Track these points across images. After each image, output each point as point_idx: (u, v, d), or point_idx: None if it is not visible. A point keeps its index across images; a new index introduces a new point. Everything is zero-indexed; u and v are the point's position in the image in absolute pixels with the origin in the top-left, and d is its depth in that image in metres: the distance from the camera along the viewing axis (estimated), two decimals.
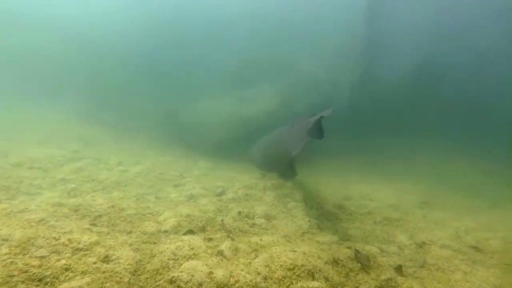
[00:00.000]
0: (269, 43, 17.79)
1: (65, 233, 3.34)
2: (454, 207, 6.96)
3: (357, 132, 13.52)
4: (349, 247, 3.84)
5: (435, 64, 15.12)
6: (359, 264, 3.51)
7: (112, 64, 18.36)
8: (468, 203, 7.40)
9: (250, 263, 3.19)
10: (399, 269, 3.63)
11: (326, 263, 3.32)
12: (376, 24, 13.72)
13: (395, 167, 11.34)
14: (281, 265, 3.12)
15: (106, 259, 2.99)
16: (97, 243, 3.22)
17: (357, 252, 3.69)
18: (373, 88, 13.87)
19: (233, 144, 11.14)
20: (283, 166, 6.75)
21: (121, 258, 3.04)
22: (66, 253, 2.95)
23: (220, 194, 5.67)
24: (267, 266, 3.11)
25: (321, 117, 5.16)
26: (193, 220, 4.24)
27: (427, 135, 14.13)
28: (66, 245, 3.08)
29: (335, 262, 3.43)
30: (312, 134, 5.39)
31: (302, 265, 3.14)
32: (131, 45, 18.72)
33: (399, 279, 3.41)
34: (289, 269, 3.08)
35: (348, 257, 3.58)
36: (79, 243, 3.13)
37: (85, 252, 3.03)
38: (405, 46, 14.72)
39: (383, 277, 3.35)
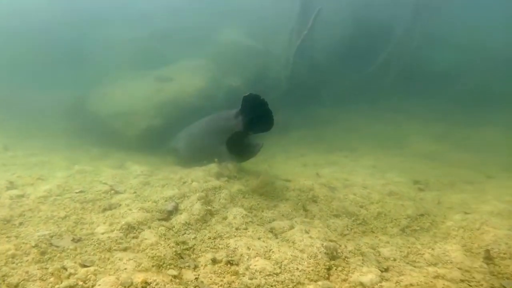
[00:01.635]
0: (185, 16, 15.57)
1: None
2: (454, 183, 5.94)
3: (298, 105, 12.25)
4: None
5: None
6: None
7: None
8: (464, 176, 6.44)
9: None
10: None
11: None
12: None
13: (349, 141, 10.25)
14: None
15: None
16: None
17: None
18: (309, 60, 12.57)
19: (161, 133, 9.12)
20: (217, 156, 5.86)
21: None
22: None
23: (169, 217, 3.81)
24: None
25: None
26: None
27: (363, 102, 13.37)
28: None
29: None
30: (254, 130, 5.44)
31: None
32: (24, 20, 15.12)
33: None
34: None
35: None
36: None
37: None
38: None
39: None
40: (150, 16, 15.43)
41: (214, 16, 15.17)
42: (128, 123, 9.63)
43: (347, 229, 3.90)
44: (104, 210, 4.01)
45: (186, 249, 3.16)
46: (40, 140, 9.71)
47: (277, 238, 3.48)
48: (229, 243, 3.21)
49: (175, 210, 3.93)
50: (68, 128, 11.27)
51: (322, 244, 3.17)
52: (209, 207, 4.02)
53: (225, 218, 3.81)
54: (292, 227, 3.72)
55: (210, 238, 3.30)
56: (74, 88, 13.32)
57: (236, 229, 3.53)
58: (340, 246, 3.35)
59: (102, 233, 3.33)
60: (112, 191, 4.63)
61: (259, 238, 3.38)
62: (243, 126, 5.43)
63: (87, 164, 6.65)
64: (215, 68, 11.21)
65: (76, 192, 4.50)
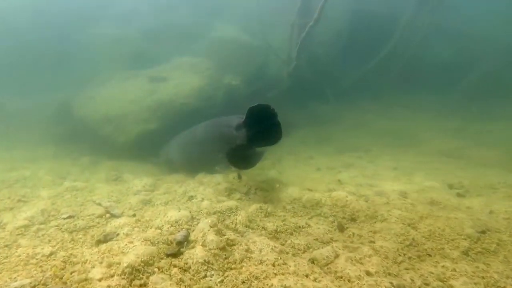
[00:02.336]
0: (175, 12, 14.71)
1: None
2: (494, 186, 5.26)
3: (300, 102, 11.54)
4: None
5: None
6: None
7: None
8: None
9: None
10: None
11: None
12: None
13: (358, 140, 9.55)
14: None
15: None
16: None
17: None
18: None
19: (156, 139, 8.34)
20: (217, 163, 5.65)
21: None
22: None
23: (180, 251, 3.03)
24: None
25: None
26: None
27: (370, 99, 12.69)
28: None
29: None
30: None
31: None
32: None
33: None
34: None
35: None
36: None
37: None
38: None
39: None
40: (138, 13, 14.54)
41: (206, 11, 14.35)
42: (119, 129, 8.80)
43: (400, 255, 3.17)
44: (99, 242, 3.23)
45: None
46: (22, 150, 8.84)
47: (326, 272, 2.74)
48: (273, 286, 2.46)
49: (186, 241, 3.16)
50: (53, 135, 10.42)
51: (392, 284, 2.44)
52: (226, 236, 3.25)
53: (249, 251, 3.05)
54: (336, 256, 3.00)
55: (244, 281, 2.54)
56: (57, 92, 12.43)
57: (273, 265, 2.78)
58: (406, 280, 2.64)
59: (99, 280, 2.55)
60: (108, 215, 3.85)
61: (307, 276, 2.64)
62: (247, 140, 4.74)
63: (77, 177, 5.84)
64: (212, 66, 10.41)
65: (64, 218, 3.71)
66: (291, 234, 3.51)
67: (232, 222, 3.61)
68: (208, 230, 3.28)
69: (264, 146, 5.05)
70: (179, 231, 3.32)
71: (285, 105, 11.31)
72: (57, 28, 14.12)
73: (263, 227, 3.60)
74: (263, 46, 11.77)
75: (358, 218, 3.86)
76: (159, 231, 3.36)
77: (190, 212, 3.76)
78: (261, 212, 3.90)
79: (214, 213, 3.77)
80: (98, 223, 3.66)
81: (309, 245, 3.24)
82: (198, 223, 3.50)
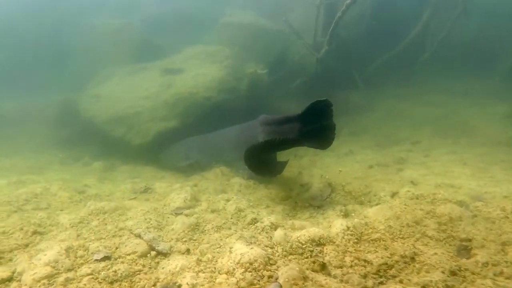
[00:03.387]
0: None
1: None
2: None
3: (326, 89, 10.54)
4: None
5: None
6: None
7: None
8: None
9: None
10: None
11: None
12: None
13: (399, 131, 8.61)
14: None
15: None
16: None
17: None
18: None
19: (177, 139, 7.41)
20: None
21: None
22: None
23: None
24: None
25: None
26: None
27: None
28: None
29: None
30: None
31: None
32: None
33: None
34: None
35: None
36: None
37: None
38: None
39: None
40: (142, 0, 13.43)
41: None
42: (133, 129, 7.84)
43: None
44: None
45: None
46: (24, 157, 7.88)
47: None
48: None
49: None
50: (57, 138, 9.45)
51: None
52: None
53: None
54: None
55: None
56: (55, 91, 11.43)
57: None
58: None
59: None
60: (153, 253, 2.91)
61: None
62: (301, 135, 4.41)
63: (99, 191, 4.90)
64: (231, 54, 9.39)
65: (98, 260, 2.77)
66: (401, 270, 2.58)
67: (324, 264, 2.66)
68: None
69: (312, 146, 4.57)
70: (267, 283, 2.38)
71: (311, 94, 10.34)
72: (50, 19, 13.03)
73: (365, 260, 2.67)
74: (283, 30, 10.72)
75: (475, 238, 2.93)
76: (234, 279, 2.42)
77: (263, 247, 2.83)
78: (355, 242, 2.96)
79: (296, 249, 2.83)
80: (144, 266, 2.73)
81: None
82: (278, 266, 2.56)
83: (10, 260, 2.84)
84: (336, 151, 7.62)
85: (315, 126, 4.43)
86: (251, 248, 2.72)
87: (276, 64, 10.02)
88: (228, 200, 4.14)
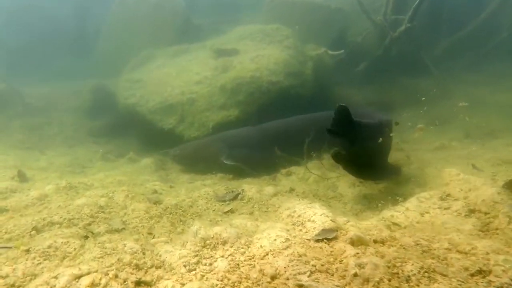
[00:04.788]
0: None
1: None
2: None
3: (392, 74, 9.27)
4: None
5: None
6: None
7: None
8: None
9: None
10: None
11: None
12: None
13: (489, 122, 7.31)
14: None
15: None
16: None
17: None
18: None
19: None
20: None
21: None
22: None
23: None
24: None
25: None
26: None
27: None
28: None
29: None
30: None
31: None
32: None
33: None
34: None
35: None
36: None
37: None
38: None
39: None
40: None
41: None
42: (187, 119, 6.65)
43: None
44: None
45: None
46: (62, 152, 6.74)
47: None
48: None
49: None
50: (91, 130, 8.27)
51: None
52: None
53: None
54: None
55: None
56: (84, 76, 10.25)
57: None
58: None
59: None
60: None
61: None
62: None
63: (171, 196, 3.71)
64: (292, 34, 8.09)
65: None
66: None
67: None
68: None
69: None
70: None
71: (376, 80, 9.10)
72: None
73: None
74: (342, 9, 9.41)
75: None
76: None
77: None
78: None
79: None
80: None
81: None
82: None
83: None
84: (423, 144, 6.45)
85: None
86: None
87: (336, 45, 8.71)
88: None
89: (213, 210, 3.54)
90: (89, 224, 3.01)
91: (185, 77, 7.29)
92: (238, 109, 6.47)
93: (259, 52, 7.36)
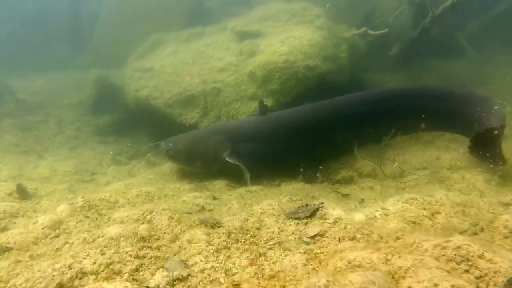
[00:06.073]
0: None
1: None
2: None
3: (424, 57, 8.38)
4: None
5: None
6: None
7: None
8: None
9: None
10: None
11: None
12: None
13: None
14: None
15: None
16: None
17: None
18: None
19: None
20: None
21: None
22: None
23: None
24: None
25: None
26: None
27: None
28: None
29: None
30: None
31: None
32: None
33: None
34: None
35: None
36: None
37: None
38: None
39: None
40: None
41: None
42: (211, 113, 5.68)
43: None
44: None
45: None
46: (65, 155, 5.70)
47: None
48: None
49: None
50: (96, 128, 7.23)
51: None
52: None
53: None
54: None
55: None
56: (82, 66, 9.17)
57: None
58: None
59: None
60: None
61: None
62: None
63: (226, 214, 2.77)
64: (323, 13, 7.10)
65: None
66: None
67: None
68: None
69: None
70: None
71: (409, 60, 8.21)
72: None
73: None
74: None
75: None
76: None
77: None
78: None
79: None
80: None
81: None
82: None
83: None
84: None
85: None
86: None
87: (369, 25, 7.76)
88: None
89: (292, 234, 2.61)
90: (137, 271, 2.05)
91: (204, 63, 6.29)
92: (272, 99, 5.51)
93: (288, 34, 6.38)
